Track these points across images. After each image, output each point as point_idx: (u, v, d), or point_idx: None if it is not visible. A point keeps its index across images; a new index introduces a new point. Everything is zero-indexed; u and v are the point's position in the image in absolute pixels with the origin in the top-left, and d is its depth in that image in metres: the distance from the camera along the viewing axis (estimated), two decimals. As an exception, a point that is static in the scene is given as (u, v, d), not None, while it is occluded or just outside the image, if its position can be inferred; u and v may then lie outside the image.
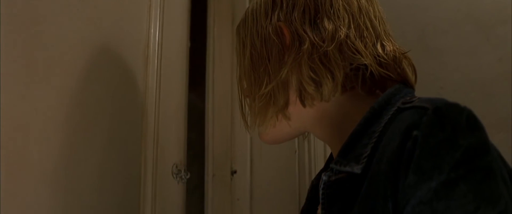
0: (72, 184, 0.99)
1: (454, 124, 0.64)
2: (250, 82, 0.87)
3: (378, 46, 0.81)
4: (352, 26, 0.81)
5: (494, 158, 0.64)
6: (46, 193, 0.93)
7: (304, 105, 0.82)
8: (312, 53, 0.80)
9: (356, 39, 0.80)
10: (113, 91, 1.15)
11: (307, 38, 0.80)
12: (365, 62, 0.79)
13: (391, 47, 0.82)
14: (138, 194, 1.17)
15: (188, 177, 1.21)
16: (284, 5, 0.84)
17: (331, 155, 0.91)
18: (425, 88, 1.53)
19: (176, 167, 1.21)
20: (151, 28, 1.24)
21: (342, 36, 0.80)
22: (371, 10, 0.84)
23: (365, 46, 0.80)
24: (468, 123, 0.64)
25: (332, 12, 0.81)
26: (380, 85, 0.81)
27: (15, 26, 0.89)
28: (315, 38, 0.80)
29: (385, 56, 0.80)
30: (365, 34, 0.81)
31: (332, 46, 0.79)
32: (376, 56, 0.80)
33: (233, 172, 1.83)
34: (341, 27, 0.80)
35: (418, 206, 0.62)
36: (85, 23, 1.07)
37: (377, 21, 0.84)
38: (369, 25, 0.82)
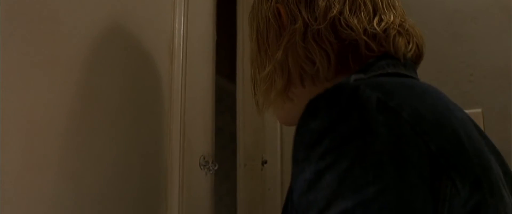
0: (94, 177, 1.01)
1: (328, 109, 0.61)
2: (256, 65, 0.88)
3: (375, 20, 0.79)
4: (347, 2, 0.79)
5: (371, 142, 0.58)
6: (69, 187, 0.95)
7: (303, 86, 0.81)
8: (306, 32, 0.79)
9: (350, 15, 0.78)
10: (139, 84, 1.16)
11: (300, 18, 0.80)
12: (356, 38, 0.77)
13: (391, 20, 0.79)
14: (165, 185, 1.19)
15: (216, 168, 1.22)
16: None
17: None
18: (455, 76, 1.52)
19: (204, 158, 1.21)
20: (176, 21, 1.26)
21: (335, 12, 0.78)
22: None
23: (358, 22, 0.78)
24: (345, 106, 0.60)
25: None
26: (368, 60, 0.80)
27: (29, 19, 0.92)
28: (309, 17, 0.79)
29: (377, 29, 0.78)
30: (361, 9, 0.79)
31: (325, 24, 0.78)
32: (369, 30, 0.78)
33: (264, 162, 1.84)
34: (335, 4, 0.79)
35: (299, 198, 0.61)
36: (108, 15, 1.09)
37: None
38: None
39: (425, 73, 1.34)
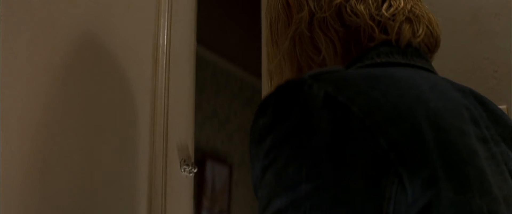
0: (89, 179, 1.09)
1: (274, 106, 0.61)
2: (269, 57, 0.89)
3: (384, 6, 0.77)
4: None
5: (308, 139, 0.57)
6: (67, 189, 1.03)
7: None
8: (311, 21, 0.78)
9: (357, 2, 0.77)
10: (125, 90, 1.23)
11: (306, 6, 0.79)
12: (361, 24, 0.76)
13: (401, 5, 0.77)
14: (149, 190, 1.24)
15: (195, 170, 1.31)
16: None
17: None
18: (480, 72, 1.53)
19: (184, 161, 1.30)
20: (160, 31, 1.32)
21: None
22: None
23: (365, 8, 0.76)
24: (288, 103, 0.60)
25: None
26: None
27: (21, 26, 0.99)
28: (315, 5, 0.79)
29: (385, 14, 0.76)
30: None
31: (330, 11, 0.77)
32: (375, 16, 0.76)
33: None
34: None
35: (256, 193, 0.61)
36: (94, 23, 1.16)
37: None
38: None
39: (448, 70, 1.36)
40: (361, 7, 0.76)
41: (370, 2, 0.77)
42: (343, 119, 0.57)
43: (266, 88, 1.96)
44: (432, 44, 0.79)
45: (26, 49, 0.98)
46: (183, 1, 1.37)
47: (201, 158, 3.81)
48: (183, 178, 1.30)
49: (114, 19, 1.21)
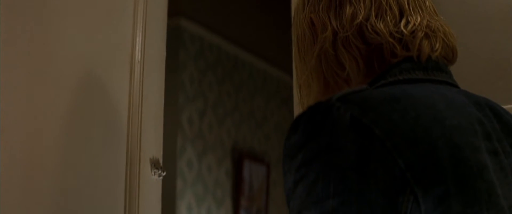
0: (73, 180, 1.23)
1: (305, 125, 0.67)
2: (297, 71, 0.94)
3: (402, 23, 0.81)
4: (373, 7, 0.82)
5: (337, 157, 0.64)
6: (52, 191, 1.17)
7: (339, 88, 0.86)
8: (335, 39, 0.84)
9: (377, 20, 0.81)
10: (103, 96, 1.35)
11: (329, 26, 0.84)
12: (382, 42, 0.81)
13: (418, 21, 0.82)
14: (125, 188, 1.34)
15: (164, 174, 1.40)
16: None
17: None
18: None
19: (154, 165, 1.39)
20: (136, 42, 1.42)
21: (361, 19, 0.82)
22: None
23: (384, 26, 0.81)
24: (318, 124, 0.66)
25: None
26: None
27: (16, 37, 1.11)
28: (338, 25, 0.84)
29: (404, 31, 0.81)
30: (387, 13, 0.82)
31: (352, 30, 0.82)
32: (395, 33, 0.81)
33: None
34: (361, 10, 0.82)
35: (288, 203, 0.68)
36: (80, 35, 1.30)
37: None
38: (392, 2, 0.83)
39: (480, 70, 1.36)
40: (381, 26, 0.81)
41: (389, 20, 0.81)
42: (367, 140, 0.64)
43: (296, 86, 1.98)
44: (449, 56, 0.84)
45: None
46: (156, 13, 1.49)
47: (238, 158, 3.87)
48: (153, 181, 1.40)
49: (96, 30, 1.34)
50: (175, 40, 3.50)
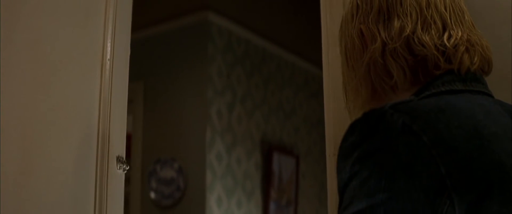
0: (46, 174, 1.36)
1: (361, 128, 0.77)
2: (345, 77, 1.02)
3: (445, 36, 0.89)
4: (419, 21, 0.89)
5: (389, 157, 0.72)
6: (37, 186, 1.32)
7: (386, 94, 0.93)
8: (384, 50, 0.91)
9: (423, 33, 0.89)
10: (76, 99, 1.47)
11: (379, 37, 0.91)
12: (427, 54, 0.88)
13: (459, 35, 0.89)
14: (94, 180, 1.44)
15: (128, 168, 1.49)
16: (363, 8, 0.96)
17: None
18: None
19: (119, 160, 1.48)
20: (107, 43, 1.53)
21: (408, 32, 0.89)
22: (440, 1, 0.91)
23: (430, 39, 0.88)
24: (372, 128, 0.75)
25: (401, 10, 0.91)
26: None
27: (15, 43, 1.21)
28: (386, 36, 0.91)
29: (447, 45, 0.88)
30: (432, 27, 0.89)
31: (400, 42, 0.89)
32: (439, 46, 0.88)
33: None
34: (408, 23, 0.89)
35: (339, 195, 0.77)
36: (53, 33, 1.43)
37: (448, 11, 0.91)
38: (436, 17, 0.90)
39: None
40: (426, 38, 0.88)
41: (433, 33, 0.89)
42: (415, 145, 0.72)
43: (329, 81, 1.98)
44: (485, 67, 0.92)
45: None
46: (124, 13, 1.59)
47: (267, 150, 3.89)
48: (118, 175, 1.50)
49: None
50: (203, 34, 3.52)
